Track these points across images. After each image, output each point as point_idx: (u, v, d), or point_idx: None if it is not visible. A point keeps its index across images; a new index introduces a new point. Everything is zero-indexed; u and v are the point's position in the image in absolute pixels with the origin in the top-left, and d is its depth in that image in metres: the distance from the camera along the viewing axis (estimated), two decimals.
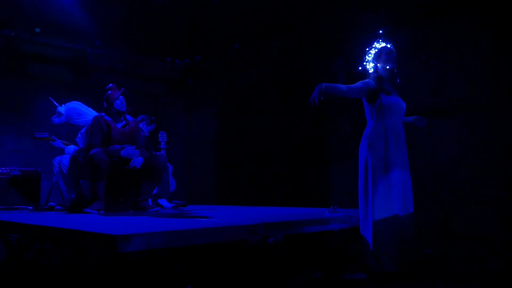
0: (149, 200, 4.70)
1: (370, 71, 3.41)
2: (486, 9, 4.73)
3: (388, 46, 3.40)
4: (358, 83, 3.32)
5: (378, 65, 3.38)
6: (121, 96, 4.62)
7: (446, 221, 4.76)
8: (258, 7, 5.69)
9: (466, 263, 3.62)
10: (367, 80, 3.35)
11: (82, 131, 4.89)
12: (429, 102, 4.98)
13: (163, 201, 5.42)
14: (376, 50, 3.39)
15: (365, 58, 3.45)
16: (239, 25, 6.26)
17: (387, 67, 3.34)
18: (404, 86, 3.47)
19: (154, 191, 4.95)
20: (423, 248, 3.67)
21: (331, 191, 5.87)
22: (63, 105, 5.01)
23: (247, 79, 7.29)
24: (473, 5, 4.80)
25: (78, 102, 5.08)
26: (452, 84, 4.87)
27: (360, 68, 3.46)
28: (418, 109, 3.78)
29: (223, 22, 6.18)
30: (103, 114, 4.64)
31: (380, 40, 3.42)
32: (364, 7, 5.44)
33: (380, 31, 3.44)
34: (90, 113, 4.97)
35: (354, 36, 5.52)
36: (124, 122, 4.67)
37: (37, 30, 6.27)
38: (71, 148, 5.03)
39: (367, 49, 3.44)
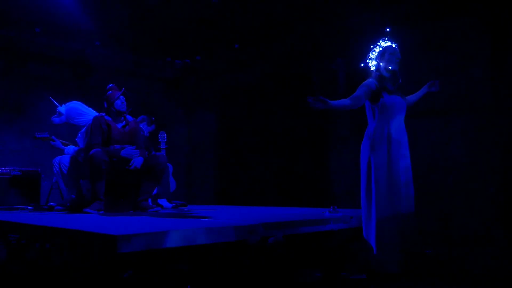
0: (149, 200, 4.70)
1: (372, 69, 3.39)
2: (486, 9, 4.73)
3: (393, 46, 3.36)
4: (360, 88, 3.26)
5: (381, 64, 3.33)
6: (121, 96, 4.62)
7: (446, 221, 4.76)
8: (258, 7, 5.69)
9: (466, 263, 3.62)
10: (368, 81, 3.32)
11: (82, 131, 4.89)
12: (429, 102, 4.98)
13: (163, 201, 5.42)
14: (381, 49, 3.34)
15: (369, 56, 3.41)
16: (239, 25, 6.25)
17: (390, 67, 3.32)
18: (404, 85, 3.46)
19: (154, 191, 4.95)
20: (423, 248, 3.67)
21: (331, 191, 5.87)
22: (63, 105, 5.01)
23: (247, 79, 7.29)
24: (473, 5, 4.81)
25: (78, 102, 5.08)
26: (452, 84, 4.87)
27: (362, 65, 3.43)
28: (418, 109, 3.78)
29: (223, 22, 6.17)
30: (103, 114, 4.64)
31: (386, 39, 3.38)
32: (364, 8, 5.44)
33: (387, 29, 3.40)
34: (90, 113, 4.97)
35: (354, 36, 5.52)
36: (124, 122, 4.67)
37: (37, 30, 6.26)
38: (71, 148, 5.03)
39: (372, 46, 3.41)
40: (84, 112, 4.98)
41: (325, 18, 5.87)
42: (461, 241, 4.49)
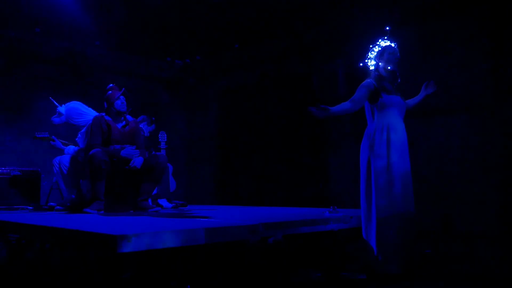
0: (149, 200, 4.70)
1: (370, 68, 3.38)
2: (486, 9, 4.73)
3: (392, 45, 3.35)
4: (359, 90, 3.26)
5: (380, 63, 3.32)
6: (121, 96, 4.62)
7: (446, 221, 4.76)
8: (258, 7, 5.69)
9: (466, 263, 3.62)
10: (366, 81, 3.31)
11: (82, 131, 4.90)
12: (429, 102, 4.98)
13: (163, 201, 5.42)
14: (380, 48, 3.33)
15: (368, 55, 3.40)
16: (239, 25, 6.26)
17: (388, 67, 3.31)
18: (404, 85, 3.46)
19: (154, 191, 4.95)
20: (423, 248, 3.67)
21: (331, 191, 5.87)
22: (63, 105, 5.02)
23: (247, 79, 7.29)
24: (473, 5, 4.81)
25: (78, 102, 5.08)
26: (452, 84, 4.87)
27: (361, 64, 3.42)
28: (418, 109, 3.78)
29: (223, 22, 6.17)
30: (103, 114, 4.64)
31: (385, 38, 3.37)
32: (364, 7, 5.44)
33: (387, 28, 3.39)
34: (90, 113, 4.97)
35: (354, 36, 5.52)
36: (124, 122, 4.67)
37: (37, 30, 6.26)
38: (70, 148, 5.03)
39: (371, 45, 3.40)
40: (84, 112, 4.99)
41: (325, 18, 5.87)
42: (461, 241, 4.49)
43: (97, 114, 4.76)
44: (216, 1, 5.56)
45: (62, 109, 4.97)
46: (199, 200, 7.24)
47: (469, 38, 4.83)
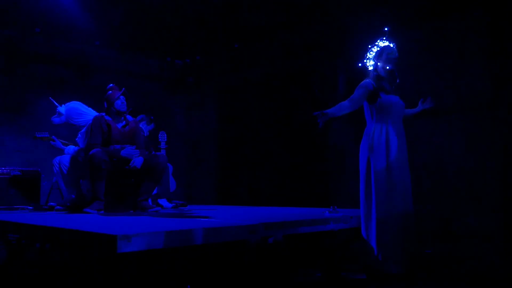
0: (149, 200, 4.70)
1: (369, 69, 3.39)
2: (485, 9, 4.73)
3: (391, 45, 3.36)
4: (358, 90, 3.28)
5: (379, 64, 3.34)
6: (121, 96, 4.62)
7: (446, 221, 4.76)
8: (258, 7, 5.69)
9: (466, 263, 3.62)
10: (365, 81, 3.31)
11: (82, 131, 4.90)
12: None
13: (163, 201, 5.41)
14: (378, 49, 3.35)
15: (366, 55, 3.41)
16: (239, 25, 6.25)
17: (387, 67, 3.32)
18: (403, 86, 3.46)
19: (154, 191, 4.95)
20: (423, 248, 3.67)
21: (331, 191, 5.87)
22: (63, 105, 5.01)
23: (247, 79, 7.29)
24: (473, 5, 4.81)
25: (78, 102, 5.08)
26: (452, 84, 4.87)
27: (360, 64, 3.44)
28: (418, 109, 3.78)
29: (223, 22, 6.17)
30: (104, 114, 4.64)
31: (384, 38, 3.38)
32: (364, 7, 5.44)
33: (386, 28, 3.39)
34: (90, 113, 4.97)
35: (354, 36, 5.52)
36: (124, 122, 4.67)
37: (37, 30, 6.26)
38: (71, 148, 5.03)
39: (369, 46, 3.41)
40: (84, 112, 4.99)
41: (325, 18, 5.87)
42: (461, 241, 4.49)
43: (97, 114, 4.76)
44: (216, 1, 5.56)
45: (62, 109, 4.97)
46: (199, 200, 7.24)
47: (469, 38, 4.83)
